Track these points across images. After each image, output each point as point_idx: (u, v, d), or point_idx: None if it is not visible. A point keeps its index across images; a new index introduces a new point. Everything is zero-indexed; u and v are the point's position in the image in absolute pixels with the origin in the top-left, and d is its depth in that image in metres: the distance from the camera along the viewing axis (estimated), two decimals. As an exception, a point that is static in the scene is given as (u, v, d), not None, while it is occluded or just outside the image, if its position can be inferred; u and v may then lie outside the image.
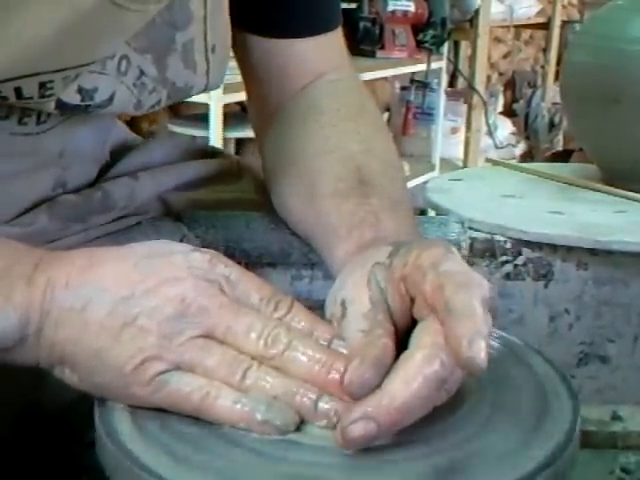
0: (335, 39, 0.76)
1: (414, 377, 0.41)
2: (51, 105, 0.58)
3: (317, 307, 0.50)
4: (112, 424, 0.44)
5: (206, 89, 0.68)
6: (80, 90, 0.59)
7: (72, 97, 0.59)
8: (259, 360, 0.45)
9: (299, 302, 0.49)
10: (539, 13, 3.84)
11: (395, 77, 3.12)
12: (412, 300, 0.47)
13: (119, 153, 0.76)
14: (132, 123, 2.34)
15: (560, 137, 3.89)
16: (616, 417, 0.57)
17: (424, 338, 0.43)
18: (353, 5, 2.64)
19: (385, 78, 3.09)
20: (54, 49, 0.53)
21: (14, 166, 0.63)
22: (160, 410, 0.45)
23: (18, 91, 0.55)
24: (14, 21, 0.50)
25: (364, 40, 2.67)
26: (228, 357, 0.45)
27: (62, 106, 0.59)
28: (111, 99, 0.61)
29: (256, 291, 0.48)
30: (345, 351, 0.45)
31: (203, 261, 0.48)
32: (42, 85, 0.55)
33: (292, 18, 0.73)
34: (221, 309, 0.46)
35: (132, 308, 0.45)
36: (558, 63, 3.76)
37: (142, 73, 0.62)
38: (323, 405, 0.43)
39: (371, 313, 0.46)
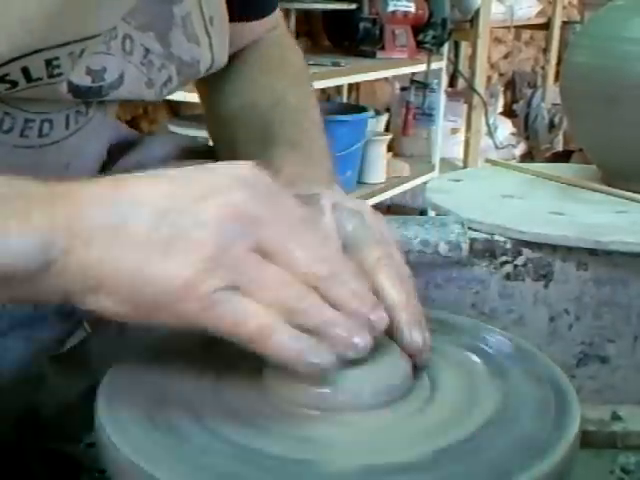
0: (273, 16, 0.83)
1: None
2: (63, 88, 0.58)
3: None
4: (114, 424, 0.44)
5: (213, 64, 0.69)
6: (89, 71, 0.59)
7: (83, 78, 0.59)
8: (308, 283, 0.44)
9: None
10: (539, 14, 3.83)
11: (395, 78, 3.12)
12: None
13: (116, 151, 0.76)
14: (132, 123, 2.33)
15: (560, 137, 3.88)
16: (616, 417, 0.57)
17: None
18: (353, 6, 2.64)
19: (385, 79, 3.09)
20: (52, 20, 0.53)
21: None
22: (161, 410, 0.45)
23: (26, 72, 0.54)
24: None
25: (364, 41, 2.67)
26: (285, 278, 0.43)
27: (75, 89, 0.59)
28: (121, 78, 0.61)
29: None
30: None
31: (247, 168, 0.45)
32: (49, 63, 0.55)
33: (245, 6, 0.78)
34: (275, 218, 0.44)
35: (178, 219, 0.42)
36: (558, 64, 3.75)
37: (147, 51, 0.63)
38: (353, 338, 0.44)
39: None
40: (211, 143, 0.84)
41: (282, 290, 0.43)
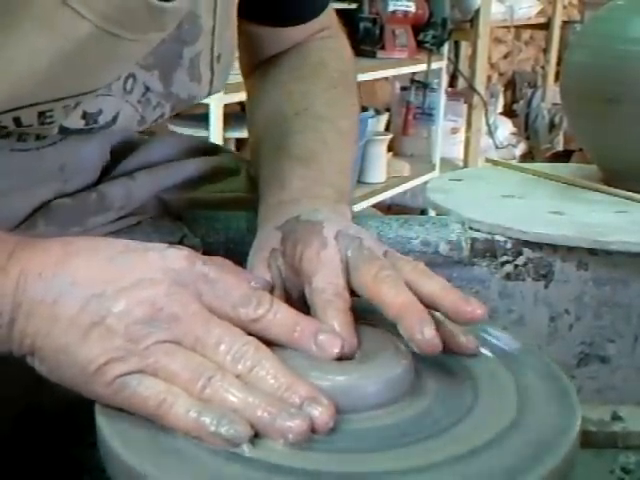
0: (325, 14, 0.81)
1: None
2: (53, 131, 0.58)
3: None
4: (114, 425, 0.44)
5: (209, 95, 0.68)
6: (84, 115, 0.59)
7: (75, 122, 0.59)
8: (223, 370, 0.44)
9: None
10: (539, 13, 3.83)
11: (395, 77, 3.12)
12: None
13: (119, 153, 0.76)
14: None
15: (560, 137, 3.88)
16: (616, 417, 0.57)
17: None
18: (353, 5, 2.64)
19: (385, 78, 3.08)
20: (51, 79, 0.52)
21: (13, 182, 0.63)
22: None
23: (17, 120, 0.55)
24: (9, 52, 0.50)
25: (364, 40, 2.67)
26: (193, 363, 0.44)
27: (65, 130, 0.59)
28: (115, 119, 0.61)
29: (236, 288, 0.47)
30: (329, 340, 0.47)
31: (180, 258, 0.47)
32: (41, 114, 0.55)
33: (287, 9, 0.78)
34: (192, 317, 0.45)
35: (102, 307, 0.44)
36: (558, 63, 3.75)
37: (147, 89, 0.62)
38: (282, 422, 0.43)
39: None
40: (213, 141, 0.85)
41: (189, 373, 0.44)
